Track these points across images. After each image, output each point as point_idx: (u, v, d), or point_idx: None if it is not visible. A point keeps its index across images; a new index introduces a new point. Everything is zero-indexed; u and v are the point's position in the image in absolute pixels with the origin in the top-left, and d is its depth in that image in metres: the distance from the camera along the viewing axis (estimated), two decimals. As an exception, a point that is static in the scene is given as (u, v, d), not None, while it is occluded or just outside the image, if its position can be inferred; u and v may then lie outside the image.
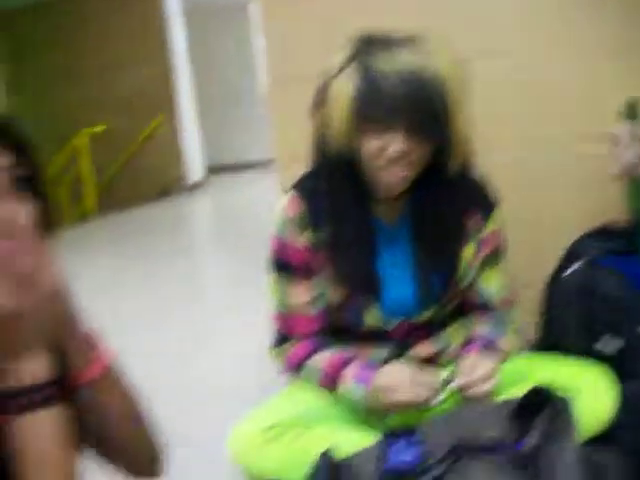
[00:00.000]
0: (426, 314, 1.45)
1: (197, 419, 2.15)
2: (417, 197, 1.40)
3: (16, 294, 0.66)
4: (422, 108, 1.25)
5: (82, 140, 7.75)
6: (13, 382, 0.69)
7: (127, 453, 0.86)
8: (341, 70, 1.30)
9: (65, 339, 0.76)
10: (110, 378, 0.82)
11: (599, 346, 1.51)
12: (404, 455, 1.07)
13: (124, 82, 8.58)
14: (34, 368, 0.70)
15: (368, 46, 1.30)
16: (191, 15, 9.32)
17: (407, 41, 1.29)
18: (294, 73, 1.79)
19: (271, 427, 1.28)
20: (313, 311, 1.44)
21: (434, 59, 1.27)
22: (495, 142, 1.90)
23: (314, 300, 1.44)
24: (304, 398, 1.40)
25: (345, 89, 1.28)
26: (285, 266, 1.44)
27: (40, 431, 0.69)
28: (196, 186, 8.94)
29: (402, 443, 1.10)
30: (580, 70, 1.86)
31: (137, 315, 3.51)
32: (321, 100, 1.35)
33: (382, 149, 1.29)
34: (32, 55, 8.55)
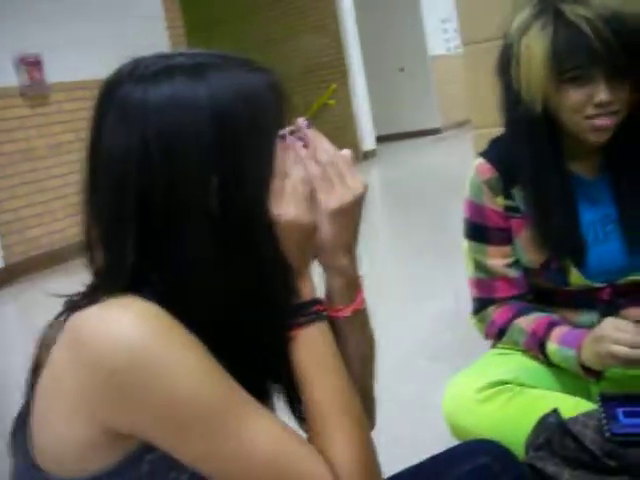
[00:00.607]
0: (634, 275, 1.38)
1: (397, 379, 2.20)
2: (616, 149, 1.33)
3: (312, 211, 0.78)
4: (626, 52, 1.19)
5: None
6: (295, 299, 0.79)
7: None
8: (530, 25, 1.26)
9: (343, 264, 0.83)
10: (361, 319, 0.87)
11: None
12: (630, 422, 1.04)
13: (297, 52, 8.80)
14: (308, 286, 0.80)
15: None
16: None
17: None
18: (486, 35, 1.75)
19: (484, 388, 1.28)
20: (513, 274, 1.42)
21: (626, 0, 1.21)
22: None
23: (513, 264, 1.42)
24: (513, 360, 1.38)
25: (539, 43, 1.24)
26: (481, 229, 1.42)
27: (318, 342, 0.78)
28: (369, 155, 9.03)
29: (626, 409, 1.07)
30: None
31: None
32: (508, 60, 1.31)
33: (585, 100, 1.24)
34: (208, 33, 8.94)
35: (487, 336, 1.47)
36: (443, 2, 9.30)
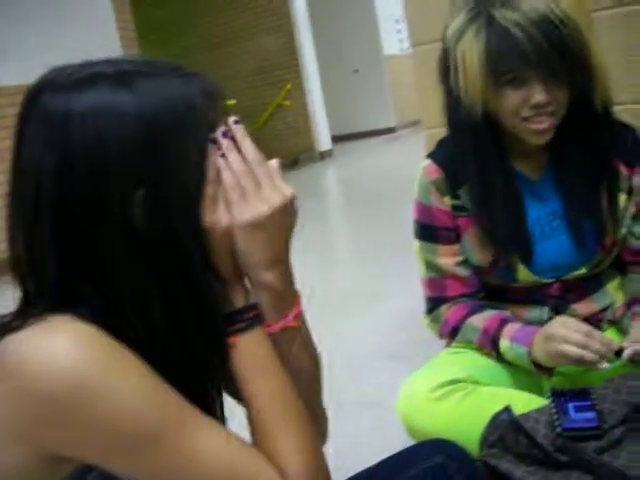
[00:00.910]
0: (580, 270, 1.40)
1: (353, 379, 2.20)
2: (560, 147, 1.36)
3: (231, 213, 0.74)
4: (557, 52, 1.21)
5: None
6: (229, 307, 0.77)
7: None
8: (464, 31, 1.27)
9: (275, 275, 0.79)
10: (296, 336, 0.84)
11: None
12: (580, 417, 1.05)
13: (252, 53, 8.77)
14: (243, 293, 0.79)
15: (488, 1, 1.26)
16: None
17: None
18: (434, 36, 1.76)
19: (438, 387, 1.29)
20: (463, 272, 1.43)
21: (559, 0, 1.22)
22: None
23: (462, 263, 1.43)
24: (466, 358, 1.39)
25: (473, 48, 1.26)
26: (430, 229, 1.44)
27: (256, 347, 0.77)
28: (325, 155, 9.04)
29: (576, 404, 1.08)
30: None
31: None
32: (447, 65, 1.33)
33: (522, 102, 1.26)
34: (161, 34, 8.85)
35: (441, 335, 1.48)
36: (396, 2, 9.35)
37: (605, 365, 1.20)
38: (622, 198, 1.39)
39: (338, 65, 10.69)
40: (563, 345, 1.21)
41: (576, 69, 1.25)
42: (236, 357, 0.76)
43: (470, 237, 1.41)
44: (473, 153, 1.36)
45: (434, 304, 1.48)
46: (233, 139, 0.77)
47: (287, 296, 0.81)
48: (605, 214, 1.37)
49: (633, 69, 1.72)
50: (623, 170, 1.39)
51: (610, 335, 1.39)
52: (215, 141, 0.76)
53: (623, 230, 1.41)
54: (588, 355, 1.18)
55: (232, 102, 8.03)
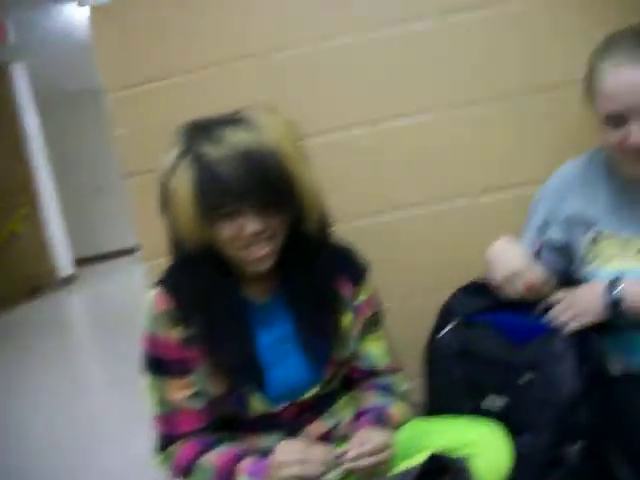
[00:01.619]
0: (313, 391, 1.42)
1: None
2: (286, 270, 1.39)
3: None
4: (264, 185, 1.25)
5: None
6: None
7: None
8: (175, 166, 1.28)
9: None
10: None
11: (485, 404, 1.50)
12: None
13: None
14: None
15: (195, 135, 1.29)
16: (45, 104, 9.05)
17: (234, 120, 1.30)
18: (148, 166, 1.75)
19: None
20: (195, 407, 1.38)
21: (264, 132, 1.27)
22: (366, 203, 1.90)
23: (195, 395, 1.38)
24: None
25: (183, 185, 1.27)
26: (160, 363, 1.38)
27: None
28: (67, 280, 8.58)
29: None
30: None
31: (9, 427, 3.33)
32: (165, 198, 1.33)
33: (237, 233, 1.28)
34: None
35: (173, 476, 1.40)
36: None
37: (330, 476, 1.22)
38: (347, 318, 1.44)
39: (80, 185, 10.41)
40: (284, 470, 1.21)
41: (286, 198, 1.29)
42: None
43: (203, 368, 1.37)
44: (197, 282, 1.35)
45: (166, 442, 1.40)
46: None
47: None
48: (333, 333, 1.41)
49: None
50: (348, 290, 1.45)
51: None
52: None
53: (349, 350, 1.45)
54: (308, 468, 1.20)
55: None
